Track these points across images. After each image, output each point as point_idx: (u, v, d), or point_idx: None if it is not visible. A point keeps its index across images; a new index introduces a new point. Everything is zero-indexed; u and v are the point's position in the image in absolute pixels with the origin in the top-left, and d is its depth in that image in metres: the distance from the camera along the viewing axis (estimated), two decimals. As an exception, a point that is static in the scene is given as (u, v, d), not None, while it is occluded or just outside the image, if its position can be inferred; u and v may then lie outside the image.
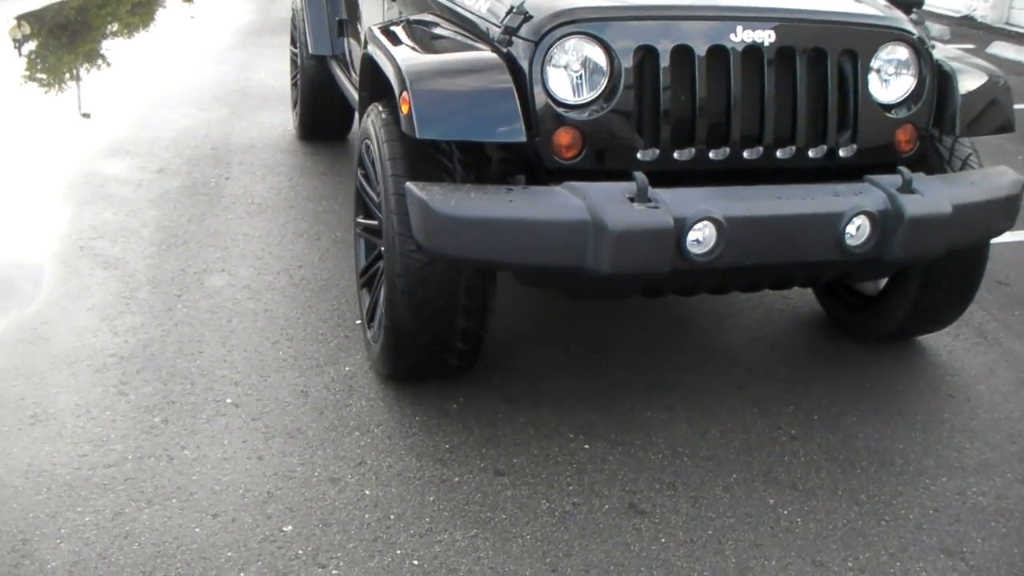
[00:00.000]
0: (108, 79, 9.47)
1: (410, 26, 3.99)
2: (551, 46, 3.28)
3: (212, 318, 4.42)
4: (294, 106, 7.24)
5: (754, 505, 3.30)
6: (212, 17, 12.72)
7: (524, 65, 3.28)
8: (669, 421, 3.75)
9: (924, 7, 12.81)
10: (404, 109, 3.25)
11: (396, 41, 3.69)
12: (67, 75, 9.66)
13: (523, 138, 3.22)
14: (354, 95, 5.07)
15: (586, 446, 3.56)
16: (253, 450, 3.48)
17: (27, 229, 5.42)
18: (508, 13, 3.42)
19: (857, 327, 4.45)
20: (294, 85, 7.18)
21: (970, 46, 12.31)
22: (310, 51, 6.30)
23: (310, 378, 3.95)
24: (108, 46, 11.08)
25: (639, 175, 3.13)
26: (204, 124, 7.48)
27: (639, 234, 3.05)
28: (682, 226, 3.11)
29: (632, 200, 3.10)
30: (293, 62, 7.20)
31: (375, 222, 3.79)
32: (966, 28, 13.66)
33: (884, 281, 4.28)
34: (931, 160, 3.89)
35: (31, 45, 10.98)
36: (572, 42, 3.29)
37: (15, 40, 10.99)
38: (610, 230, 3.03)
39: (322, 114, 6.79)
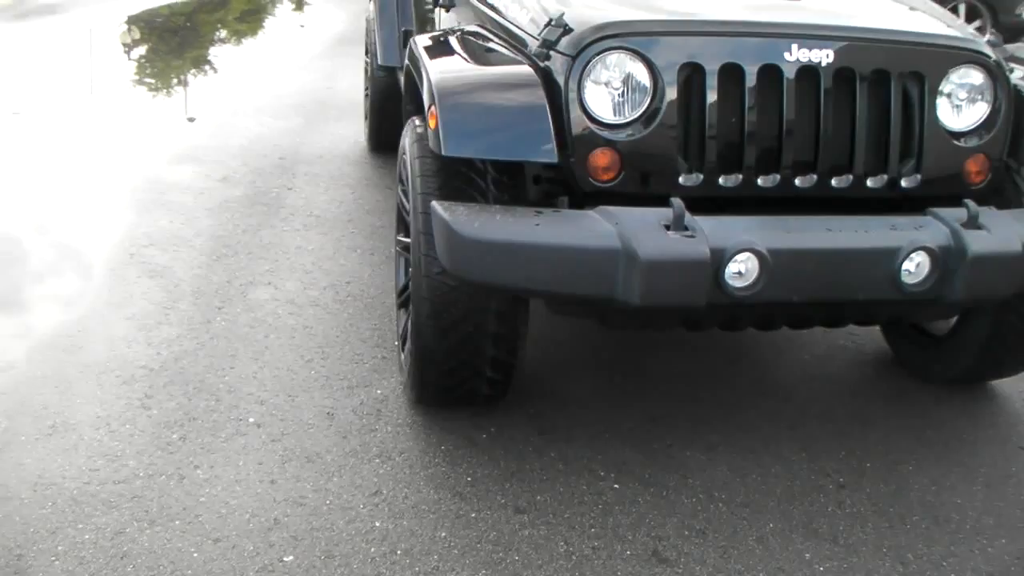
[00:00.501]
0: (198, 86, 9.51)
1: (453, 38, 3.85)
2: (590, 61, 3.10)
3: (249, 332, 4.31)
4: (365, 117, 7.16)
5: (788, 559, 3.07)
6: (316, 26, 12.74)
7: (561, 81, 3.11)
8: (709, 462, 3.53)
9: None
10: (431, 124, 3.10)
11: (434, 53, 3.55)
12: (174, 80, 9.75)
13: (555, 158, 3.05)
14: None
15: (616, 485, 3.36)
16: (267, 473, 3.34)
17: (84, 234, 5.38)
18: (547, 25, 3.25)
19: (923, 368, 4.19)
20: (366, 96, 7.10)
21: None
22: (379, 62, 6.20)
23: (339, 400, 3.81)
24: (207, 53, 11.15)
25: (676, 201, 2.93)
26: (277, 133, 7.44)
27: (672, 265, 2.85)
28: (721, 257, 2.89)
29: (668, 228, 2.90)
30: (366, 73, 7.13)
31: (410, 240, 3.65)
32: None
33: (954, 320, 4.01)
34: (1007, 194, 3.62)
35: (140, 50, 11.11)
36: (613, 57, 3.11)
37: (125, 45, 11.14)
38: (641, 260, 2.83)
39: (391, 126, 6.66)
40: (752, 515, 3.27)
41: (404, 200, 3.80)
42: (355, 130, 7.51)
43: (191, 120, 7.85)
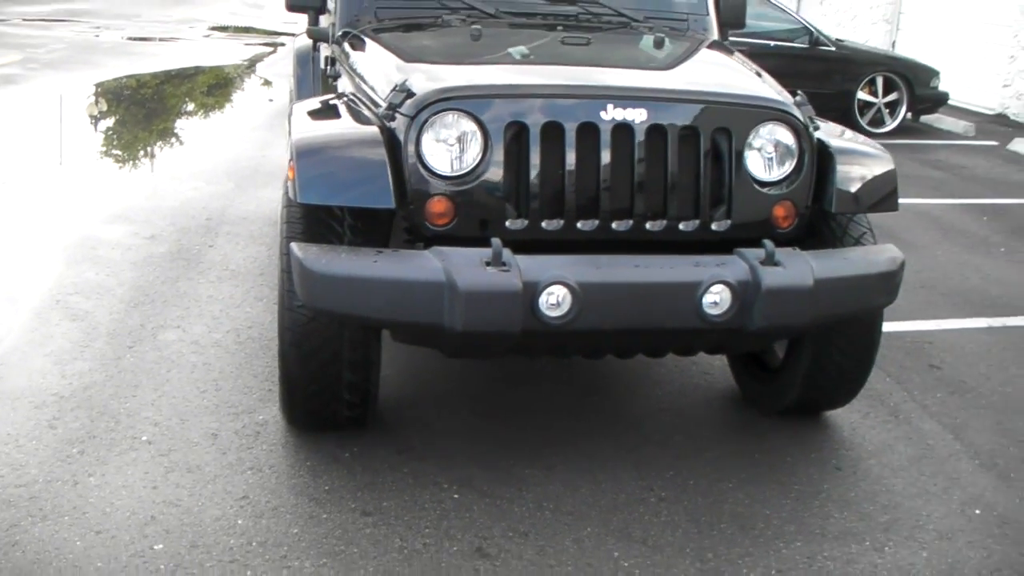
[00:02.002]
0: (133, 154, 10.01)
1: (323, 103, 4.40)
2: (427, 121, 3.62)
3: (154, 368, 4.79)
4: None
5: (598, 557, 3.55)
6: (250, 101, 13.31)
7: (402, 138, 3.63)
8: (545, 479, 4.02)
9: (949, 103, 13.17)
10: (290, 175, 3.63)
11: (302, 117, 4.08)
12: (119, 149, 10.24)
13: (391, 204, 3.56)
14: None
15: (456, 496, 3.85)
16: (151, 480, 3.82)
17: (17, 282, 5.86)
18: (393, 90, 3.79)
19: (760, 400, 4.68)
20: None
21: (993, 143, 12.64)
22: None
23: (224, 423, 4.29)
24: (164, 124, 11.66)
25: (495, 240, 3.44)
26: (207, 196, 7.95)
27: (487, 295, 3.36)
28: (534, 289, 3.39)
29: (488, 264, 3.41)
30: (290, 142, 7.66)
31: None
32: (996, 125, 13.85)
33: (783, 354, 4.49)
34: (824, 237, 4.14)
35: (107, 122, 11.64)
36: (448, 118, 3.63)
37: (92, 116, 11.65)
38: (460, 290, 3.34)
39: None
40: (574, 521, 3.75)
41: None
42: (279, 195, 8.00)
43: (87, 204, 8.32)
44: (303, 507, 3.70)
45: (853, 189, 4.00)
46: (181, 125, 11.84)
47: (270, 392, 4.57)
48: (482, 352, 3.87)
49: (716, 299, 3.56)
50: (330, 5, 5.26)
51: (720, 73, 4.43)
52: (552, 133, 3.66)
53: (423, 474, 3.98)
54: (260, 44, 19.39)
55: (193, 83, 14.71)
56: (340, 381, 3.84)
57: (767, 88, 4.12)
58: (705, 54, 4.81)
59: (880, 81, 12.72)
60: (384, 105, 3.81)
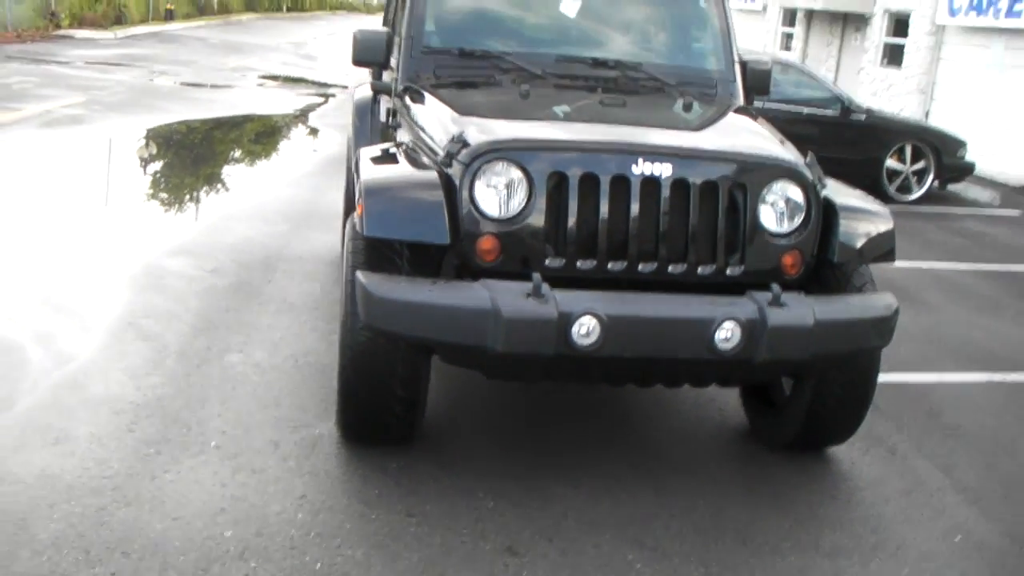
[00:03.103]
0: (196, 194, 10.61)
1: (387, 151, 4.92)
2: (480, 168, 4.15)
3: (220, 385, 5.30)
4: (343, 225, 8.21)
5: (614, 560, 4.01)
6: (305, 149, 13.92)
7: (457, 183, 4.16)
8: (571, 493, 4.48)
9: (976, 173, 13.57)
10: (359, 212, 4.15)
11: (369, 162, 4.61)
12: (180, 189, 10.84)
13: (447, 240, 4.08)
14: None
15: (490, 504, 4.32)
16: (220, 479, 4.31)
17: (90, 306, 6.40)
18: (450, 141, 4.32)
19: (767, 433, 5.13)
20: (345, 207, 8.16)
21: (1016, 213, 13.09)
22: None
23: (284, 435, 4.79)
24: (215, 168, 12.27)
25: (536, 275, 3.95)
26: (264, 235, 8.50)
27: (527, 321, 3.87)
28: (567, 318, 3.89)
29: (528, 295, 3.91)
30: (346, 187, 8.21)
31: (350, 310, 4.65)
32: (1021, 196, 14.26)
33: (789, 391, 4.94)
34: (830, 284, 4.61)
35: (156, 165, 12.26)
36: (498, 166, 4.16)
37: (141, 159, 12.29)
38: (504, 316, 3.85)
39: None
40: (595, 530, 4.21)
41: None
42: (332, 238, 8.56)
43: (154, 238, 8.89)
44: (355, 507, 4.18)
45: (855, 242, 4.48)
46: (237, 169, 12.47)
47: (325, 410, 5.06)
48: (519, 373, 4.33)
49: (727, 334, 4.03)
50: (392, 62, 5.81)
51: (741, 135, 4.93)
52: (588, 183, 4.17)
53: (461, 485, 4.45)
54: (312, 95, 20.08)
55: (247, 130, 15.38)
56: (393, 396, 4.33)
57: (780, 149, 4.61)
58: (730, 117, 5.32)
59: (909, 150, 13.14)
60: (442, 154, 4.33)
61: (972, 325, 7.69)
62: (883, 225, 4.61)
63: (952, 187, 14.12)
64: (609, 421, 5.30)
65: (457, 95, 5.25)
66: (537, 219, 4.16)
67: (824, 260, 4.51)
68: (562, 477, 4.62)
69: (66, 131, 12.92)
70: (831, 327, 4.19)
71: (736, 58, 5.96)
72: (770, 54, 15.78)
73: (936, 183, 13.34)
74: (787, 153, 4.56)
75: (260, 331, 6.17)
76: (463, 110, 4.83)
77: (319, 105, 18.53)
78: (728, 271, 4.32)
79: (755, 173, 4.36)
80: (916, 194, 13.04)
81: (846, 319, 4.30)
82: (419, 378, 4.36)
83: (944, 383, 6.31)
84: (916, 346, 6.80)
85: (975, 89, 17.05)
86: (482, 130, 4.38)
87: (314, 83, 22.63)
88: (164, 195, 10.63)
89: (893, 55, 19.94)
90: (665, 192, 4.22)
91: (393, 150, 4.94)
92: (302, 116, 16.95)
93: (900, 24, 19.84)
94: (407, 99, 5.43)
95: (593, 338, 3.93)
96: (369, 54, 5.73)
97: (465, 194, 4.14)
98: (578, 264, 4.20)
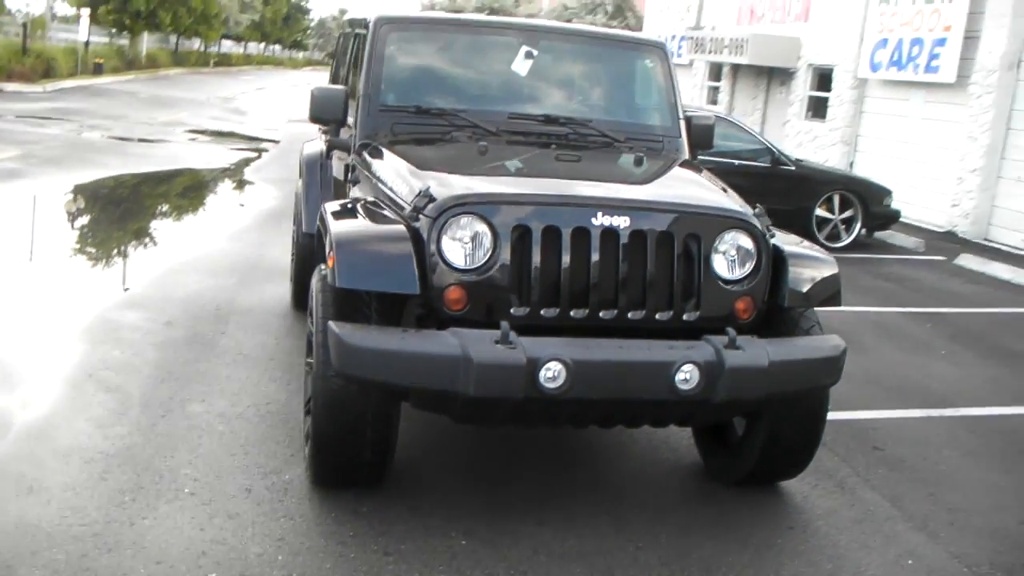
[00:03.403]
0: (139, 248, 10.64)
1: (352, 205, 5.08)
2: (447, 222, 4.33)
3: (187, 434, 5.38)
4: (291, 278, 8.32)
5: (586, 593, 4.16)
6: (252, 203, 13.97)
7: (425, 236, 4.33)
8: (538, 531, 4.62)
9: (902, 220, 14.05)
10: (330, 264, 4.30)
11: (336, 216, 4.76)
12: (94, 250, 10.85)
13: (416, 291, 4.25)
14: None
15: (463, 542, 4.45)
16: (198, 524, 4.40)
17: (47, 358, 6.45)
18: (417, 195, 4.49)
19: (722, 470, 5.33)
20: (292, 259, 8.28)
21: (941, 258, 13.59)
22: (303, 229, 7.39)
23: (256, 480, 4.88)
24: (141, 224, 12.30)
25: (504, 323, 4.13)
26: (213, 289, 8.57)
27: (497, 367, 4.03)
28: (535, 363, 4.06)
29: (497, 342, 4.08)
30: (294, 240, 8.33)
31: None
32: (944, 242, 14.82)
33: (742, 430, 5.15)
34: (779, 327, 4.84)
35: (96, 218, 12.24)
36: (464, 220, 4.34)
37: (81, 213, 12.27)
38: (474, 362, 4.01)
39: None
40: (565, 564, 4.36)
41: (311, 328, 4.93)
42: (281, 290, 8.67)
43: (126, 290, 8.93)
44: (332, 548, 4.29)
45: (803, 288, 4.73)
46: (178, 223, 12.50)
47: (292, 456, 5.17)
48: (487, 417, 4.48)
49: (687, 376, 4.23)
50: (350, 120, 5.98)
51: (691, 187, 5.16)
52: (551, 235, 4.36)
53: (433, 526, 4.58)
54: (244, 149, 20.17)
55: (183, 184, 15.42)
56: (364, 441, 4.46)
57: (731, 201, 4.86)
58: (678, 171, 5.57)
59: (837, 199, 13.60)
60: (409, 207, 4.50)
61: (907, 365, 8.01)
62: (828, 271, 4.86)
63: (879, 234, 14.60)
64: (567, 463, 5.47)
65: (417, 151, 5.43)
66: (502, 270, 4.34)
67: (774, 305, 4.74)
68: (527, 516, 4.76)
69: (4, 185, 12.87)
70: (784, 367, 4.41)
71: (681, 114, 6.23)
72: (704, 108, 16.23)
73: (864, 231, 13.80)
74: (737, 204, 4.80)
75: (219, 381, 6.26)
76: (425, 165, 5.01)
77: (253, 160, 18.64)
78: (684, 316, 4.52)
79: (708, 224, 4.58)
80: (845, 241, 13.47)
81: (798, 359, 4.52)
82: (389, 424, 4.49)
83: (885, 419, 6.58)
84: (856, 386, 7.06)
85: (896, 140, 17.66)
86: (447, 185, 4.56)
87: (245, 137, 22.73)
88: (108, 248, 10.64)
89: (817, 107, 20.57)
90: (624, 242, 4.42)
91: (358, 204, 5.09)
92: (237, 170, 17.04)
93: (823, 78, 20.49)
94: (366, 155, 5.60)
95: (559, 382, 4.10)
96: (327, 111, 5.90)
97: (433, 247, 4.31)
98: (542, 312, 4.38)
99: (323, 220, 4.81)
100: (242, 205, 13.75)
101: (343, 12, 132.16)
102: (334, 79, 7.88)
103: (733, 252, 4.61)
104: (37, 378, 6.10)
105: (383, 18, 6.06)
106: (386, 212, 4.82)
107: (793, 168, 13.61)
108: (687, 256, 4.53)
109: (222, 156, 18.59)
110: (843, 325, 8.72)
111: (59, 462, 4.90)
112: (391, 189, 4.95)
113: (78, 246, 10.56)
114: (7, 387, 5.88)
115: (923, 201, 16.35)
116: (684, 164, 5.77)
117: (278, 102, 36.87)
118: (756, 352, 4.34)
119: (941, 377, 7.77)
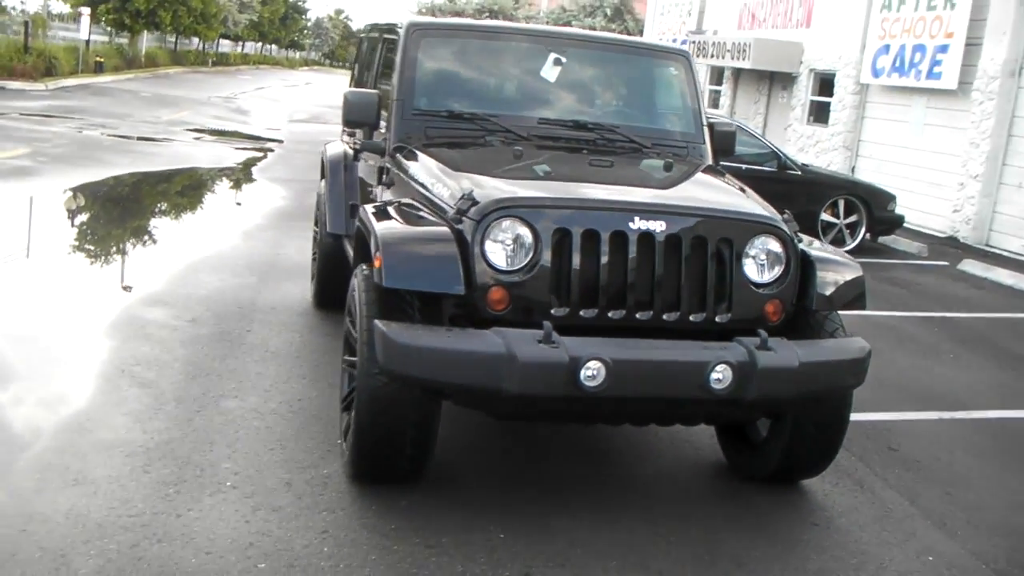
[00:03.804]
0: (157, 246, 10.75)
1: (392, 207, 5.20)
2: (490, 225, 4.46)
3: (223, 428, 5.50)
4: (312, 277, 8.45)
5: (622, 585, 4.30)
6: (257, 203, 14.09)
7: (469, 238, 4.46)
8: (573, 525, 4.75)
9: (905, 225, 14.20)
10: (376, 265, 4.43)
11: (378, 217, 4.88)
12: (113, 248, 10.95)
13: (462, 291, 4.37)
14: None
15: (501, 535, 4.58)
16: (242, 516, 4.53)
17: (78, 354, 6.57)
18: (460, 199, 4.62)
19: (746, 468, 5.47)
20: (314, 259, 8.40)
21: (944, 263, 13.77)
22: (328, 229, 7.51)
23: (295, 475, 5.01)
24: (156, 222, 12.41)
25: (547, 323, 4.26)
26: (234, 287, 8.69)
27: (540, 364, 4.16)
28: (576, 362, 4.19)
29: (540, 341, 4.22)
30: (314, 240, 8.46)
31: (355, 358, 4.87)
32: (946, 247, 14.98)
33: (766, 430, 5.29)
34: (805, 329, 4.97)
35: (83, 217, 12.32)
36: (506, 223, 4.47)
37: (69, 211, 12.35)
38: (519, 360, 4.14)
39: (334, 284, 7.92)
40: (601, 557, 4.49)
41: (351, 328, 5.05)
42: (301, 288, 8.79)
43: (127, 288, 9.05)
44: (376, 540, 4.42)
45: (829, 291, 4.88)
46: (193, 220, 12.61)
47: (329, 452, 5.29)
48: (527, 414, 4.62)
49: (720, 376, 4.37)
50: (383, 123, 6.11)
51: (719, 193, 5.31)
52: (590, 238, 4.50)
53: (472, 519, 4.70)
54: (250, 148, 20.28)
55: (195, 183, 15.54)
56: (405, 436, 4.58)
57: (760, 206, 5.00)
58: (704, 176, 5.71)
59: (842, 204, 13.75)
60: (452, 210, 4.62)
61: (918, 368, 8.16)
62: (854, 275, 5.00)
63: (883, 239, 14.75)
64: (595, 461, 5.60)
65: (452, 154, 5.56)
66: (543, 272, 4.47)
67: (801, 308, 4.88)
68: (561, 511, 4.89)
69: (18, 183, 12.97)
70: (814, 368, 4.56)
71: (704, 121, 6.38)
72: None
73: (868, 235, 13.94)
74: (766, 210, 4.94)
75: (250, 378, 6.38)
76: (463, 168, 5.14)
77: (259, 159, 18.76)
78: (717, 318, 4.67)
79: (740, 228, 4.73)
80: (849, 246, 13.61)
81: (827, 361, 4.67)
82: (430, 421, 4.62)
83: (899, 421, 6.74)
84: (870, 388, 7.16)
85: (898, 145, 17.81)
86: (489, 189, 4.69)
87: (249, 137, 22.85)
88: (127, 245, 10.75)
89: (819, 112, 20.73)
90: (659, 246, 4.56)
91: (396, 206, 5.21)
92: (245, 170, 17.15)
93: (825, 83, 20.64)
94: (400, 158, 5.73)
95: (599, 380, 4.24)
96: (361, 115, 6.02)
97: (476, 248, 4.44)
98: (581, 313, 4.52)
99: (364, 221, 4.93)
100: (252, 204, 13.85)
101: (339, 12, 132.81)
102: (358, 83, 8.01)
103: (763, 256, 4.75)
104: (71, 373, 6.22)
105: (415, 24, 6.20)
106: (425, 214, 4.94)
107: (799, 173, 13.75)
108: (719, 260, 4.66)
109: (228, 155, 18.70)
110: (852, 328, 8.86)
111: (102, 455, 5.01)
112: (430, 191, 5.07)
113: (97, 243, 10.67)
114: (43, 381, 6.01)
115: (925, 206, 16.50)
116: (708, 170, 5.91)
117: (279, 102, 37.01)
118: (787, 353, 4.48)
119: (950, 381, 7.94)
